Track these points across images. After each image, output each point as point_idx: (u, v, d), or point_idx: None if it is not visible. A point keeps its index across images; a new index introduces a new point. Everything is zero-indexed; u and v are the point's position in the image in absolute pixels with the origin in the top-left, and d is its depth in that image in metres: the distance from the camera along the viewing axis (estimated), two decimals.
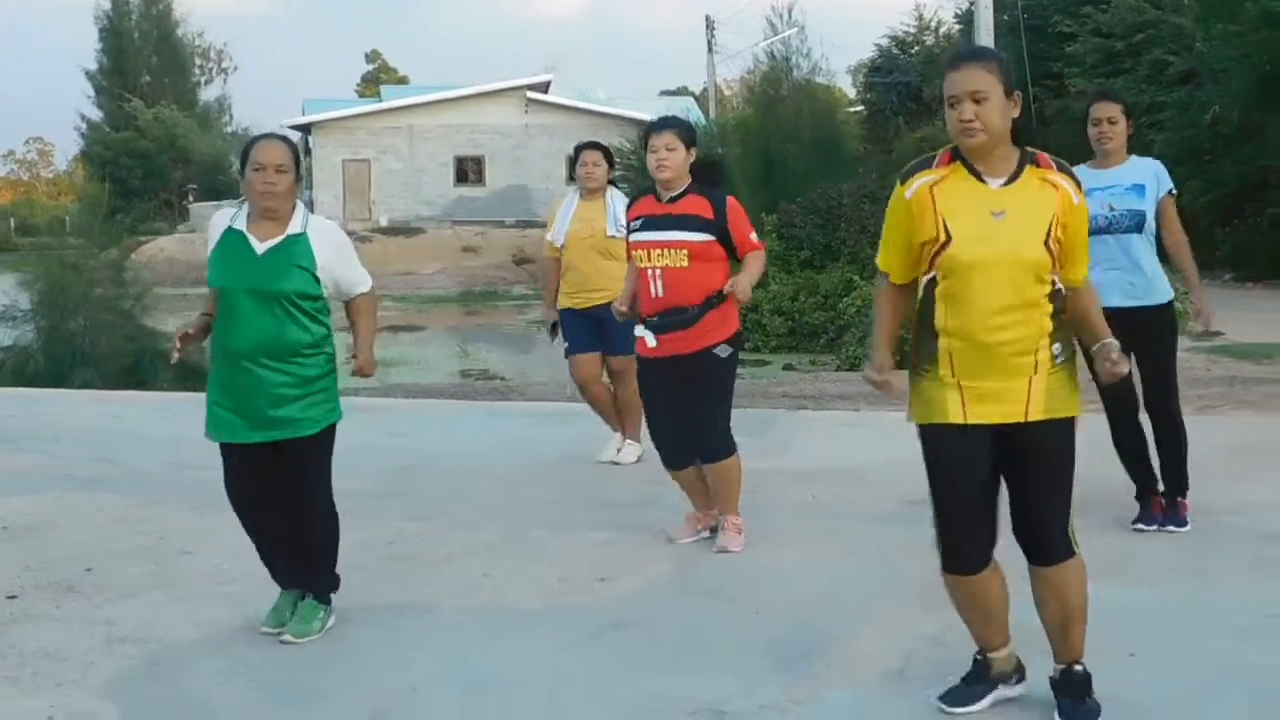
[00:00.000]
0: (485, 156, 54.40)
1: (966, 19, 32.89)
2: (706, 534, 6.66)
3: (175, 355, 5.48)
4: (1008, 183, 4.20)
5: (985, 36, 22.24)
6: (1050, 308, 4.21)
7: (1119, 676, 4.74)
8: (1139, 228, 6.70)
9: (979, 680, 4.54)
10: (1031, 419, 4.20)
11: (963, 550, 4.37)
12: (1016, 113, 4.17)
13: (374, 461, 8.65)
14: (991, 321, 4.15)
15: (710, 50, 52.78)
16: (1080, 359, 4.40)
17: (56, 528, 7.05)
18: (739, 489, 6.59)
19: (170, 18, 71.20)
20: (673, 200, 6.44)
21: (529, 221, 50.07)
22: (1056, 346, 4.22)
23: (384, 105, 57.15)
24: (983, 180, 4.20)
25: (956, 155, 4.25)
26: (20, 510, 7.45)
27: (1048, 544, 4.31)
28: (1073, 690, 4.42)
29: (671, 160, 6.38)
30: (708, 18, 52.41)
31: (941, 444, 4.30)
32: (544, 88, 56.81)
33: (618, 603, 5.72)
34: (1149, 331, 6.76)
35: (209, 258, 5.28)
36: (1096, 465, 8.29)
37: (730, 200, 6.49)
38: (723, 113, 48.85)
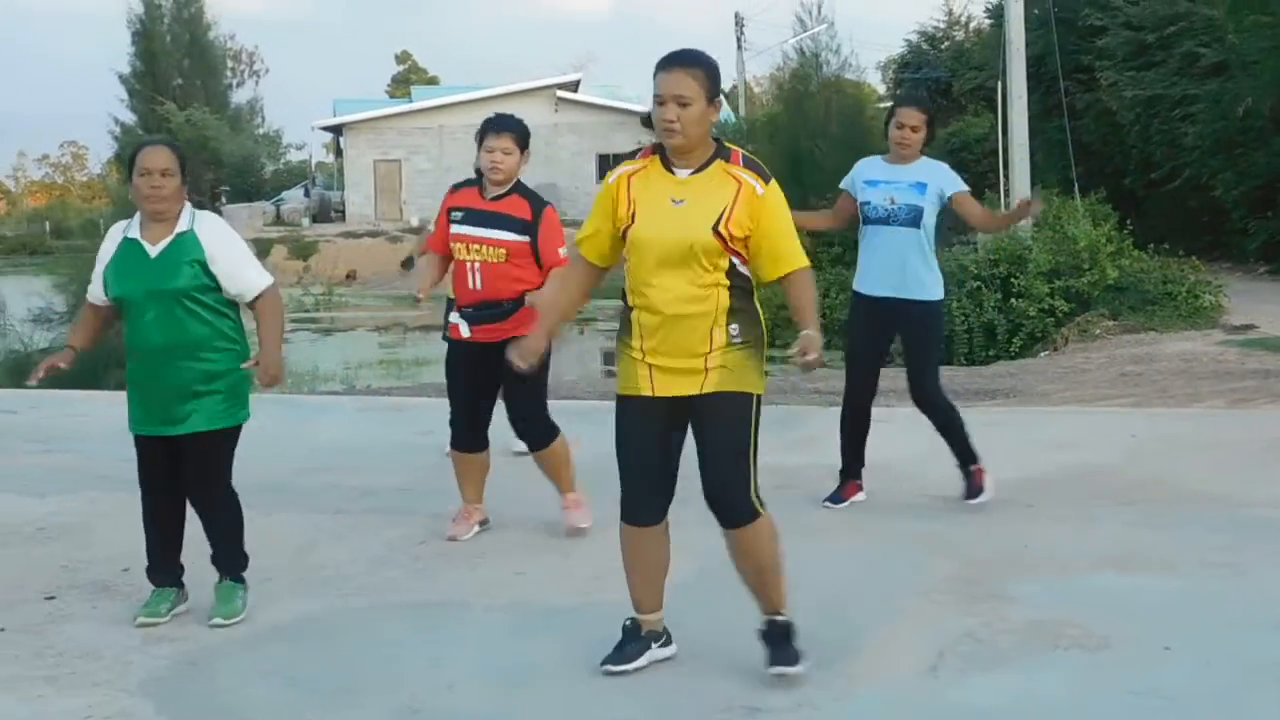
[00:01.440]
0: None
1: (996, 13, 32.70)
2: (478, 529, 6.83)
3: (35, 379, 5.57)
4: (694, 173, 4.61)
5: (1015, 30, 22.10)
6: (727, 288, 4.58)
7: (1155, 669, 4.74)
8: (915, 223, 7.00)
9: (632, 640, 4.89)
10: (705, 391, 4.59)
11: (639, 504, 4.77)
12: (716, 118, 4.58)
13: (406, 460, 8.68)
14: (668, 296, 4.56)
15: (739, 47, 52.73)
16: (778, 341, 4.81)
17: (92, 528, 7.10)
18: (570, 469, 6.87)
19: (202, 21, 71.33)
20: (496, 199, 6.58)
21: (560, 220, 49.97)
22: (734, 327, 4.59)
23: (414, 106, 57.29)
24: (672, 171, 4.63)
25: (657, 149, 4.70)
26: (56, 511, 7.50)
27: (730, 507, 4.66)
28: (777, 638, 4.75)
29: (506, 163, 6.60)
30: (737, 15, 52.37)
31: (630, 412, 4.71)
32: (573, 86, 56.85)
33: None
34: (911, 325, 7.13)
35: (103, 271, 5.43)
36: (1143, 461, 8.31)
37: (548, 210, 6.67)
38: (752, 110, 48.81)
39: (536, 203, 6.63)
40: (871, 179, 7.09)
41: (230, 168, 63.66)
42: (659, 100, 4.53)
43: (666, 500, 4.79)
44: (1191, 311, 18.02)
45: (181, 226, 5.36)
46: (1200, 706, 4.47)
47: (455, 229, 6.61)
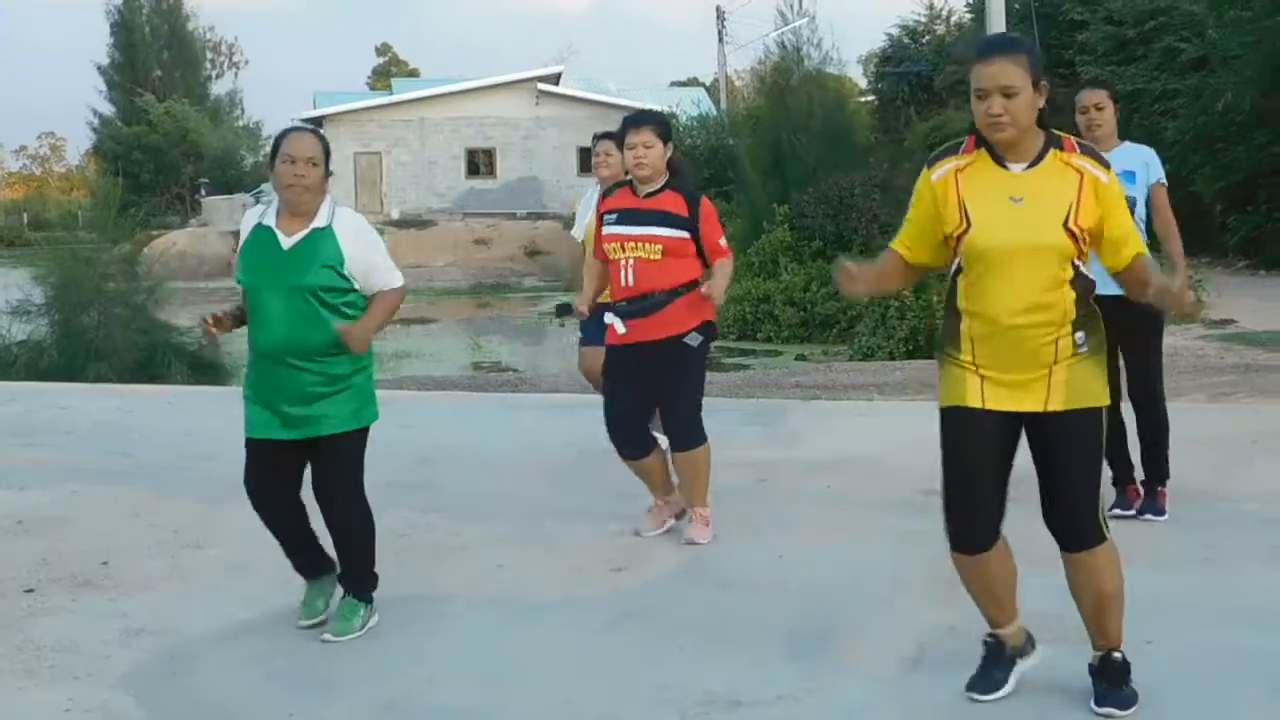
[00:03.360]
0: (496, 149, 54.34)
1: (978, 8, 32.77)
2: (673, 522, 6.66)
3: (210, 334, 5.33)
4: (1029, 167, 4.22)
5: (997, 25, 22.12)
6: (1073, 295, 4.21)
7: (1136, 664, 4.72)
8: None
9: (997, 662, 4.56)
10: (1051, 409, 4.22)
11: (969, 531, 4.41)
12: (1043, 103, 4.19)
13: (386, 454, 8.62)
14: (1010, 306, 4.16)
15: (721, 41, 52.78)
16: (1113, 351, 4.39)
17: (72, 522, 7.07)
18: (707, 480, 6.56)
19: (181, 12, 71.25)
20: (650, 195, 6.45)
21: (540, 213, 50.07)
22: (1079, 335, 4.22)
23: (395, 98, 57.11)
24: (1005, 166, 4.23)
25: (981, 141, 4.28)
26: (35, 504, 7.47)
27: (1076, 531, 4.33)
28: (1111, 677, 4.43)
29: (649, 157, 6.40)
30: (718, 8, 52.41)
31: (958, 426, 4.33)
32: (555, 79, 56.75)
33: (632, 593, 5.73)
34: (1134, 321, 6.69)
35: (239, 254, 5.25)
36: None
37: (704, 201, 6.50)
38: (733, 103, 48.83)
39: (691, 196, 6.47)
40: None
41: (210, 160, 63.53)
42: (980, 94, 4.13)
43: (998, 522, 4.42)
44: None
45: (319, 222, 5.13)
46: (1181, 700, 4.48)
47: (609, 229, 6.49)
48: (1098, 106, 6.83)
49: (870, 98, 46.76)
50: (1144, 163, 6.84)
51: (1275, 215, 26.09)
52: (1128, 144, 6.92)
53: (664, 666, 4.84)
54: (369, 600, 5.41)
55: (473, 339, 25.16)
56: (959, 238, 4.24)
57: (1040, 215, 4.15)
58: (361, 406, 5.28)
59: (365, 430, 5.33)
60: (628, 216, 6.44)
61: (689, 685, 4.65)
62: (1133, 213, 6.58)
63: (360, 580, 5.40)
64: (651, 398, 6.57)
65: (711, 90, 59.51)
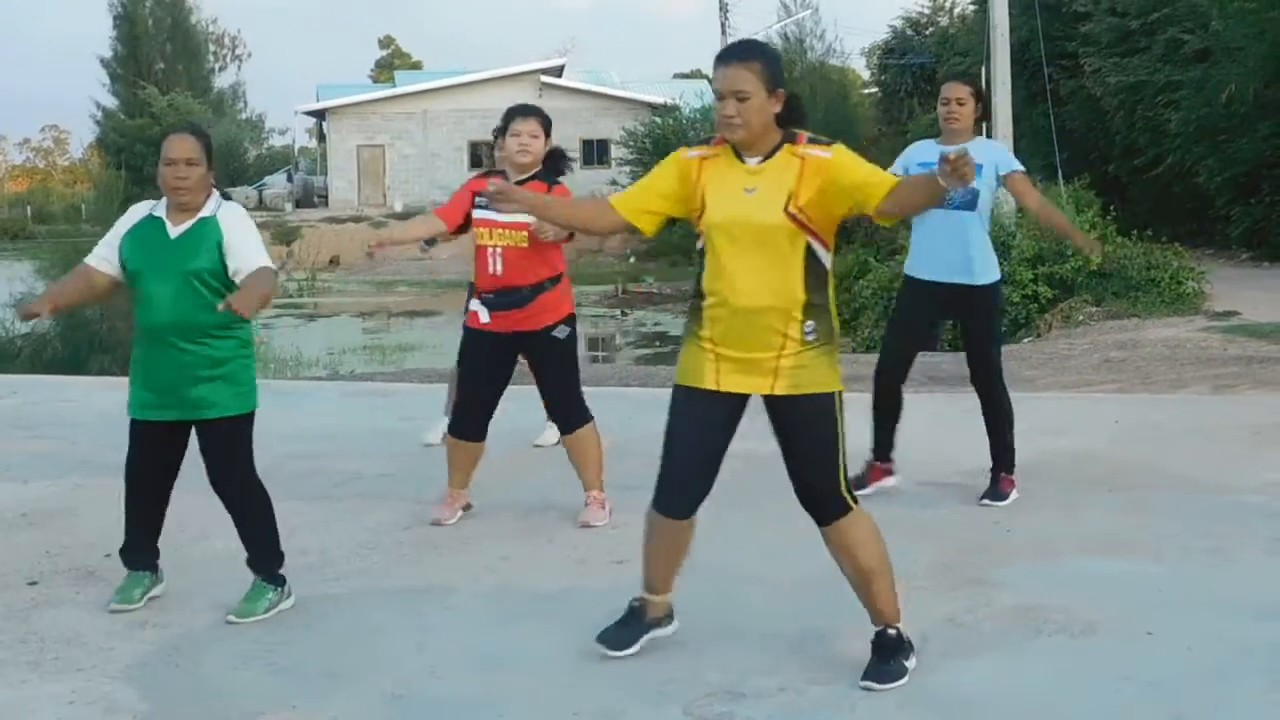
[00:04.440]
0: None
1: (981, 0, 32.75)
2: (461, 513, 6.84)
3: (43, 315, 5.55)
4: (763, 161, 4.53)
5: (999, 16, 22.09)
6: (803, 284, 4.49)
7: (1138, 654, 4.75)
8: (971, 206, 6.86)
9: (635, 622, 4.91)
10: (777, 394, 4.51)
11: (677, 499, 4.71)
12: (778, 109, 4.49)
13: (389, 445, 8.67)
14: (743, 289, 4.46)
15: (724, 33, 52.63)
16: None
17: (76, 514, 7.08)
18: (600, 463, 6.80)
19: (184, 5, 71.27)
20: (520, 183, 6.52)
21: None
22: (809, 324, 4.50)
23: (398, 91, 57.19)
24: (742, 160, 4.55)
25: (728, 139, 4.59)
26: (40, 496, 7.48)
27: (820, 503, 4.61)
28: (880, 653, 4.64)
29: (534, 147, 6.59)
30: (721, 0, 52.31)
31: (687, 405, 4.64)
32: (558, 72, 56.78)
33: (634, 585, 5.69)
34: (971, 309, 6.99)
35: (120, 242, 5.39)
36: (1127, 447, 8.33)
37: (560, 183, 6.66)
38: None
39: (551, 182, 6.62)
40: (925, 161, 6.93)
41: (213, 153, 63.46)
42: (718, 95, 4.48)
43: (701, 496, 4.72)
44: (1175, 298, 18.06)
45: (205, 212, 5.34)
46: (1183, 691, 4.48)
47: (480, 214, 6.60)
48: (959, 101, 6.99)
49: (873, 89, 46.77)
50: (993, 159, 6.98)
51: (1279, 207, 26.06)
52: (980, 139, 7.10)
53: (666, 658, 4.84)
54: (279, 583, 5.53)
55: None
56: (698, 219, 4.57)
57: (766, 201, 4.46)
58: (244, 392, 5.45)
59: (250, 416, 5.50)
60: None
61: (691, 677, 4.66)
62: (974, 205, 6.86)
63: (264, 561, 5.54)
64: (501, 388, 6.75)
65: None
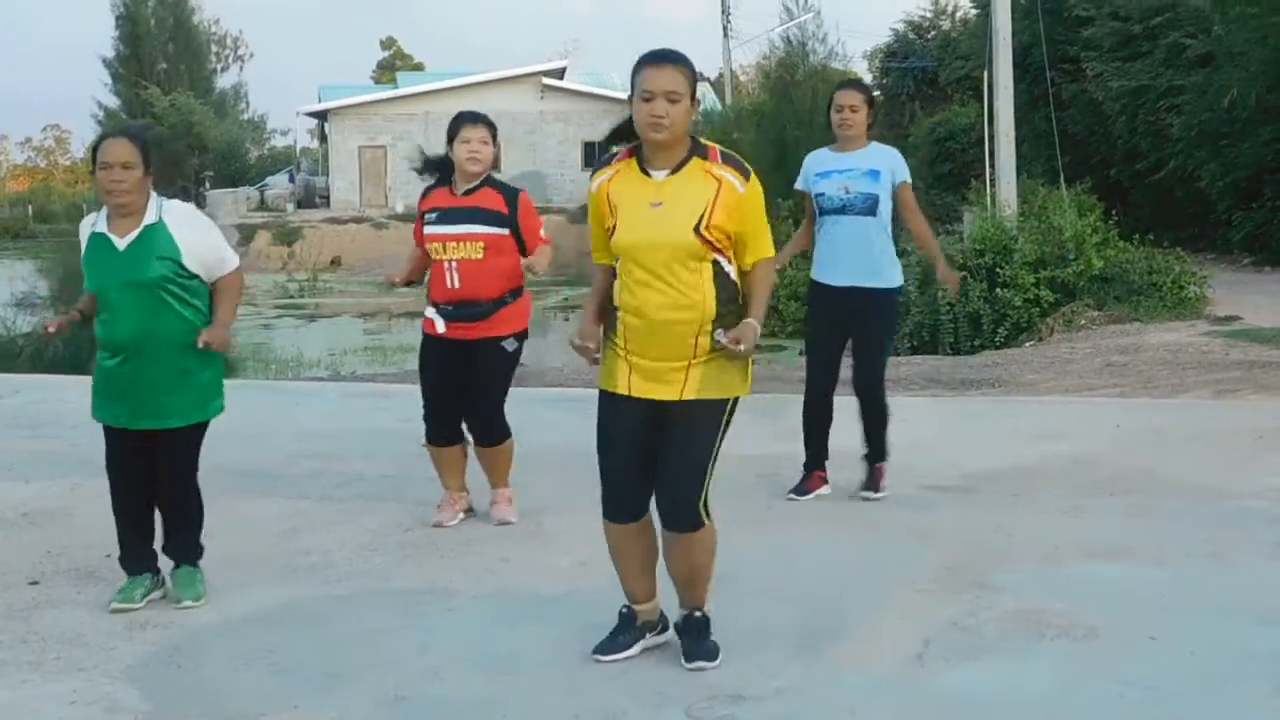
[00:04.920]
0: (500, 143, 54.32)
1: (983, 3, 32.68)
2: (462, 516, 6.85)
3: (48, 334, 5.75)
4: (671, 174, 4.55)
5: (1002, 20, 22.06)
6: (713, 294, 4.53)
7: (1140, 659, 4.75)
8: (872, 211, 6.94)
9: (626, 630, 4.90)
10: (685, 397, 4.56)
11: (617, 502, 4.73)
12: (695, 117, 4.57)
13: (390, 446, 8.66)
14: (654, 302, 4.51)
15: (726, 36, 52.66)
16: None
17: (76, 514, 7.07)
18: (509, 466, 6.90)
19: (186, 5, 71.22)
20: (468, 193, 6.57)
21: (544, 208, 49.88)
22: (719, 334, 4.51)
23: (400, 92, 57.16)
24: (648, 174, 4.57)
25: (633, 152, 4.65)
26: (40, 496, 7.48)
27: (676, 517, 4.62)
28: (695, 633, 4.80)
29: (484, 154, 6.59)
30: (723, 3, 52.29)
31: (610, 409, 4.70)
32: (559, 74, 56.77)
33: None
34: (867, 312, 7.04)
35: (82, 262, 5.43)
36: (1129, 452, 8.32)
37: (522, 195, 6.67)
38: (738, 98, 48.73)
39: (509, 192, 6.64)
40: (823, 170, 7.07)
41: (215, 153, 63.53)
42: (647, 96, 4.45)
43: (646, 497, 4.74)
44: (1176, 302, 18.06)
45: (149, 219, 5.31)
46: (1185, 696, 4.47)
47: (430, 229, 6.59)
48: (852, 108, 7.07)
49: (875, 93, 46.70)
50: (889, 165, 7.05)
51: None
52: (875, 145, 7.16)
53: (667, 661, 4.84)
54: (197, 565, 5.65)
55: None
56: (610, 237, 4.61)
57: (675, 218, 4.49)
58: (208, 400, 5.50)
59: (207, 423, 5.57)
60: (447, 216, 6.57)
61: (692, 680, 4.65)
62: (875, 210, 6.94)
63: (189, 550, 5.65)
64: (459, 390, 6.75)
65: (716, 85, 59.41)
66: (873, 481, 7.17)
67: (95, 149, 5.37)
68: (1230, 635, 5.02)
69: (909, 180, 7.11)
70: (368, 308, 34.91)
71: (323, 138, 62.14)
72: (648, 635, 4.91)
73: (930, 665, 4.77)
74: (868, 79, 48.58)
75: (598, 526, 6.32)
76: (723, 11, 52.23)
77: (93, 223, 5.43)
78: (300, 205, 55.35)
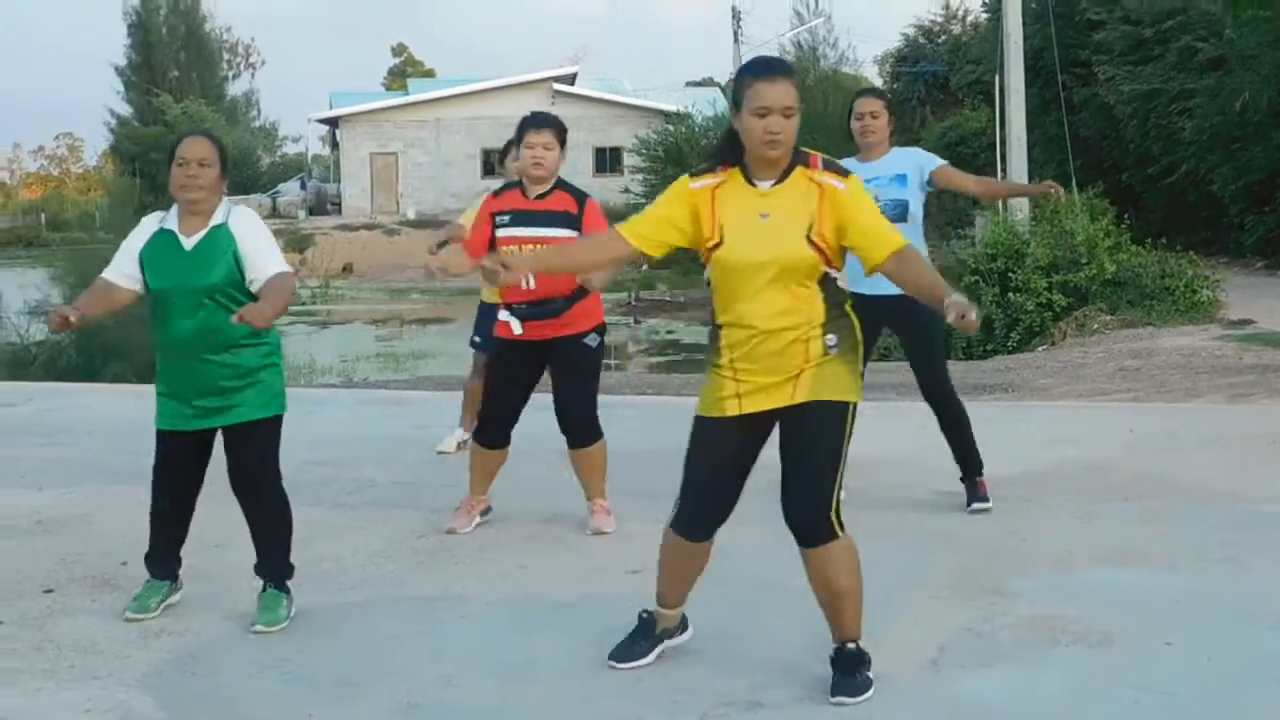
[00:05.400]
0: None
1: (994, 7, 32.64)
2: (479, 519, 6.83)
3: (56, 326, 5.42)
4: (776, 184, 4.45)
5: (1013, 24, 22.04)
6: (822, 300, 4.45)
7: (1156, 665, 4.73)
8: (903, 217, 6.84)
9: (645, 636, 4.87)
10: (797, 400, 4.44)
11: (700, 524, 4.68)
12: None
13: (404, 453, 8.67)
14: (762, 313, 4.40)
15: (736, 41, 52.77)
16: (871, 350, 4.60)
17: (91, 521, 7.09)
18: (605, 473, 6.80)
19: (198, 13, 71.41)
20: (540, 197, 6.54)
21: None
22: (830, 338, 4.45)
23: (411, 98, 57.24)
24: (753, 184, 4.47)
25: (734, 161, 4.51)
26: (55, 504, 7.49)
27: (809, 528, 4.50)
28: (845, 666, 4.57)
29: (548, 159, 6.52)
30: (734, 8, 52.41)
31: (710, 434, 4.58)
32: (570, 79, 56.84)
33: (650, 594, 5.70)
34: (916, 320, 6.90)
35: (138, 257, 5.34)
36: (1142, 456, 8.30)
37: (590, 200, 6.64)
38: None
39: (579, 194, 6.60)
40: None
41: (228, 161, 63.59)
42: (763, 111, 4.33)
43: (722, 519, 4.69)
44: (1189, 306, 18.02)
45: (216, 220, 5.31)
46: (1201, 702, 4.46)
47: (504, 232, 6.53)
48: (873, 114, 7.03)
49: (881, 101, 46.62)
50: (915, 165, 7.02)
51: None
52: (896, 150, 7.12)
53: (683, 667, 4.83)
54: (288, 590, 5.53)
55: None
56: (711, 251, 4.46)
57: (784, 229, 4.39)
58: (272, 397, 5.45)
59: (278, 420, 5.50)
60: (521, 219, 6.53)
61: (708, 686, 4.65)
62: (905, 216, 6.82)
63: (277, 569, 5.54)
64: (528, 395, 6.74)
65: (727, 90, 59.44)
66: (978, 494, 7.02)
67: (173, 147, 5.39)
68: (1246, 640, 5.00)
69: (940, 162, 7.05)
70: (379, 314, 34.96)
71: (334, 144, 62.31)
72: (664, 640, 4.89)
73: (945, 671, 4.76)
74: (878, 84, 48.62)
75: (613, 533, 6.33)
76: (734, 16, 52.33)
77: (160, 219, 5.41)
78: (312, 212, 55.48)
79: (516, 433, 6.81)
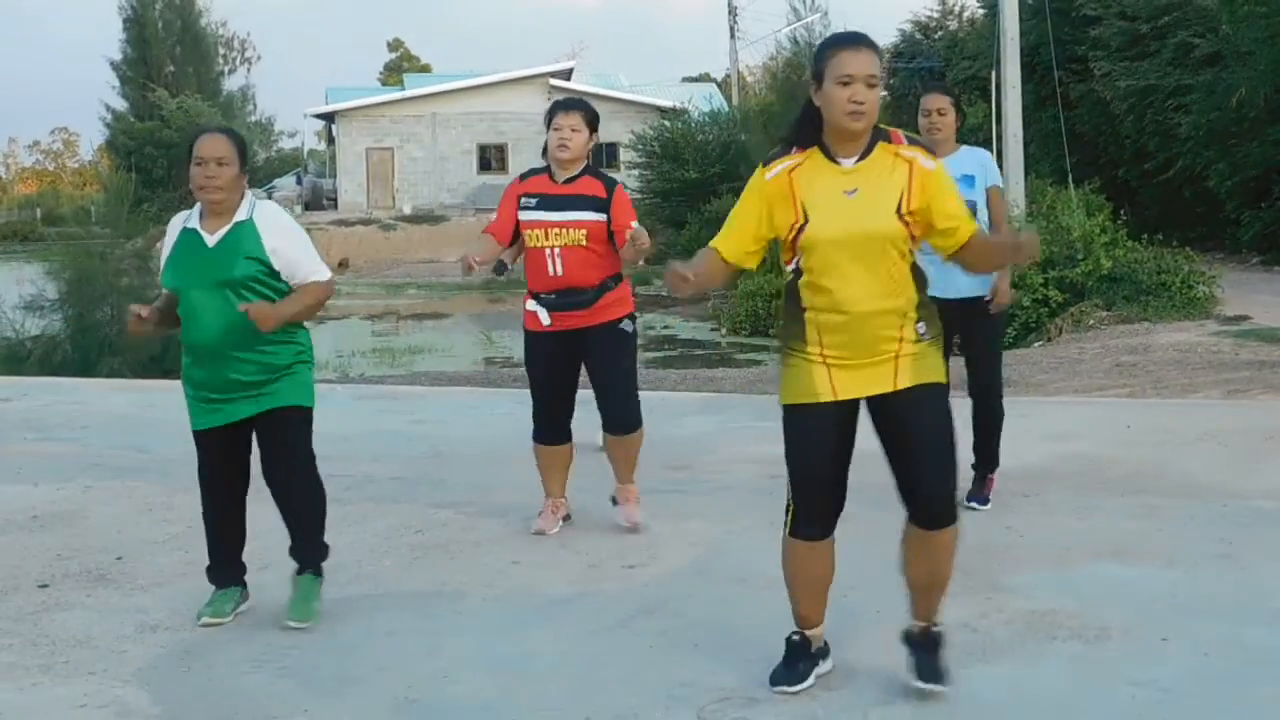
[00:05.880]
0: (508, 144, 54.40)
1: (990, 3, 32.68)
2: (562, 523, 6.72)
3: (134, 327, 5.40)
4: (859, 160, 4.33)
5: (1009, 20, 22.04)
6: (913, 284, 4.36)
7: (1152, 660, 4.74)
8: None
9: (801, 657, 4.64)
10: (900, 386, 4.33)
11: (815, 520, 4.55)
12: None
13: (400, 449, 8.67)
14: (857, 294, 4.27)
15: (733, 36, 52.69)
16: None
17: (87, 516, 7.08)
18: (637, 461, 6.71)
19: (193, 7, 71.29)
20: (568, 181, 6.45)
21: None
22: (921, 325, 4.37)
23: (407, 93, 57.18)
24: (836, 161, 4.34)
25: (812, 142, 4.40)
26: (50, 499, 7.48)
27: (936, 512, 4.44)
28: (931, 647, 4.56)
29: (575, 141, 6.42)
30: (730, 4, 52.32)
31: (806, 422, 4.42)
32: (567, 75, 56.79)
33: (646, 589, 5.72)
34: (976, 325, 6.97)
35: (164, 261, 5.33)
36: (1139, 452, 8.31)
37: (619, 186, 6.54)
38: (745, 99, 48.79)
39: (608, 180, 6.52)
40: None
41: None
42: (846, 81, 4.19)
43: (839, 511, 4.56)
44: (1186, 302, 18.03)
45: (240, 216, 5.22)
46: (1198, 698, 4.46)
47: (529, 215, 6.44)
48: (940, 111, 6.96)
49: (883, 93, 46.70)
50: (982, 166, 6.98)
51: None
52: (965, 148, 7.07)
53: (679, 662, 4.83)
54: (321, 574, 5.52)
55: (484, 334, 25.16)
56: (797, 234, 4.33)
57: (873, 204, 4.27)
58: (301, 387, 5.37)
59: (310, 410, 5.42)
60: (548, 202, 6.43)
61: (704, 681, 4.65)
62: (974, 216, 6.62)
63: (313, 551, 5.51)
64: (574, 385, 6.65)
65: (723, 86, 59.45)
66: (982, 491, 7.03)
67: (190, 145, 5.29)
68: (1242, 635, 5.00)
69: (999, 184, 7.03)
70: (375, 309, 34.93)
71: (330, 140, 62.21)
72: (819, 663, 4.67)
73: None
74: None
75: (608, 528, 6.34)
76: (730, 12, 52.27)
77: (184, 219, 5.35)
78: (308, 207, 55.41)
79: (514, 428, 6.81)
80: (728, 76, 56.00)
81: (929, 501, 4.42)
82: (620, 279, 6.53)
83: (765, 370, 16.04)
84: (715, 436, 8.79)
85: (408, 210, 51.79)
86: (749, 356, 20.01)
